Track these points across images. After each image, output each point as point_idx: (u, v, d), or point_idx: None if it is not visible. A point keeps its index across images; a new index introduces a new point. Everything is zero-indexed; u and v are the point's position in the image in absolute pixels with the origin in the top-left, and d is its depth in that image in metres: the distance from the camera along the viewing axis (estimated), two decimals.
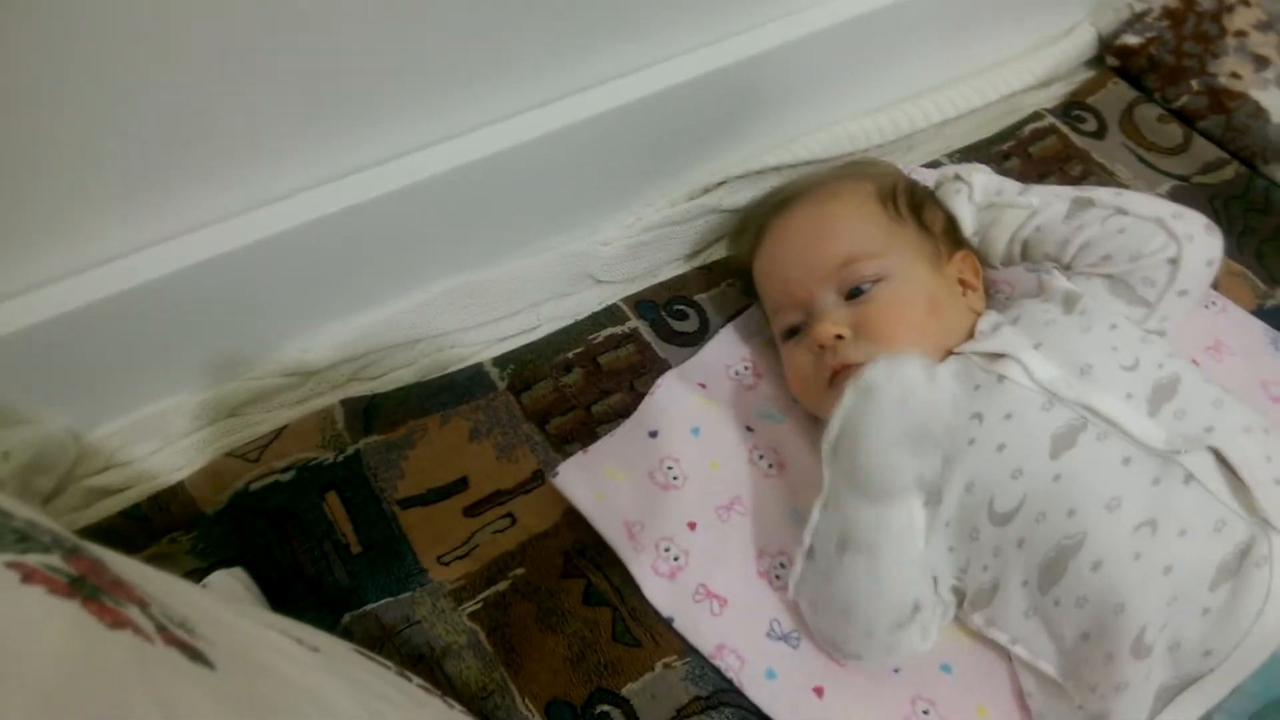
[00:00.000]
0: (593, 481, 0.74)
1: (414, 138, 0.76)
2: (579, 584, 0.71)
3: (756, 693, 0.66)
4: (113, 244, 0.69)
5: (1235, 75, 1.03)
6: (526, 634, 0.69)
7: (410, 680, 0.52)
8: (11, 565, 0.28)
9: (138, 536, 0.72)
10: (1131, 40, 1.08)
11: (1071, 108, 1.06)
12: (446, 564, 0.72)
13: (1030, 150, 1.01)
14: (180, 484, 0.75)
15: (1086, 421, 0.63)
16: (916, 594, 0.64)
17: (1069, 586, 0.60)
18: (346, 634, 0.68)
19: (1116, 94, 1.07)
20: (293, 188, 0.73)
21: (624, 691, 0.66)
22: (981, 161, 0.99)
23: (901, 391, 0.60)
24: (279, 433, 0.78)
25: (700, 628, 0.68)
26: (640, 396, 0.80)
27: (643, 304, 0.88)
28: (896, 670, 0.68)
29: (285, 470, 0.76)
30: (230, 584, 0.67)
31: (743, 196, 0.91)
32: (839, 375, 0.71)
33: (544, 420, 0.80)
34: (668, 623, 0.69)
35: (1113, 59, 1.09)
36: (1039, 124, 1.04)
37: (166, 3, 0.59)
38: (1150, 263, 0.69)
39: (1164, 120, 1.04)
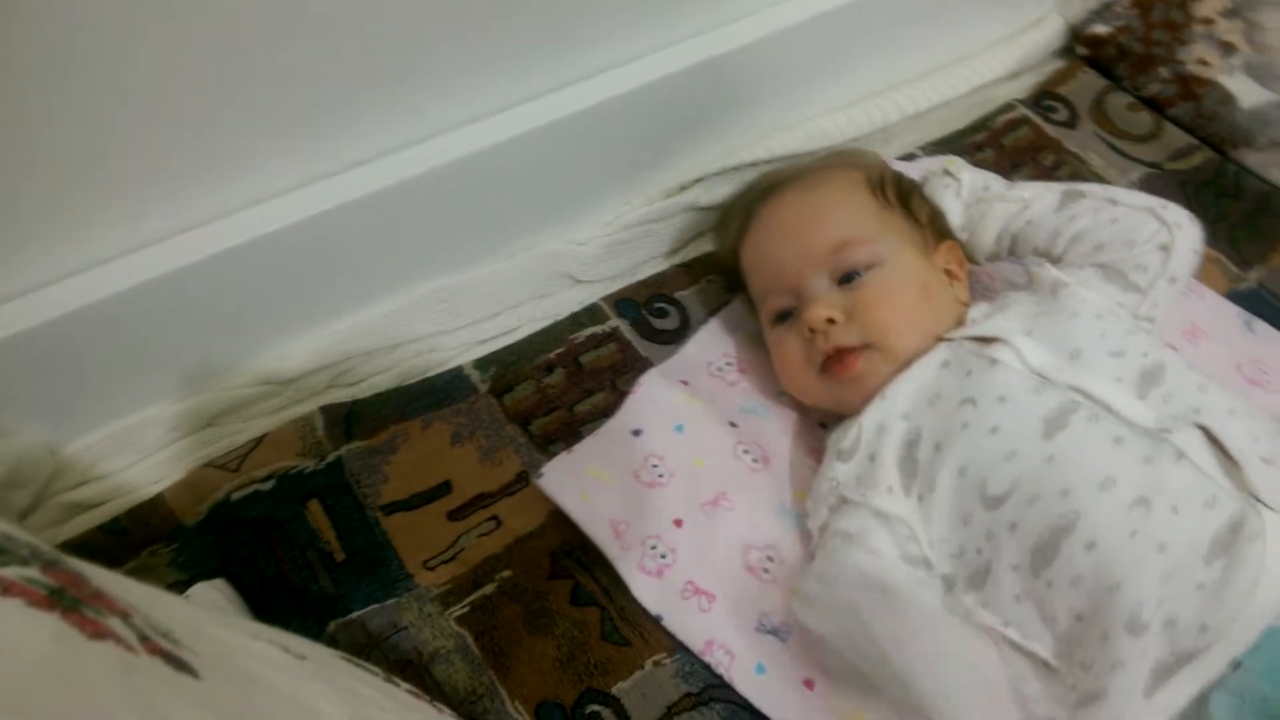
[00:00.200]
0: (578, 482, 0.74)
1: (387, 141, 0.76)
2: (566, 585, 0.71)
3: (747, 687, 0.66)
4: (83, 254, 0.68)
5: (1203, 62, 1.04)
6: (515, 636, 0.68)
7: (398, 686, 0.51)
8: None
9: (117, 551, 0.71)
10: (1100, 30, 1.09)
11: (1043, 98, 1.07)
12: (432, 569, 0.72)
13: (1003, 141, 1.02)
14: (159, 496, 0.74)
15: (1078, 404, 0.64)
16: None
17: (1062, 568, 0.61)
18: (332, 642, 0.67)
19: (1087, 83, 1.07)
20: (265, 193, 0.72)
21: (614, 691, 0.66)
22: (955, 153, 1.00)
23: None
24: (258, 442, 0.77)
25: (689, 625, 0.68)
26: (623, 395, 0.79)
27: (623, 303, 0.88)
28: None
29: (266, 479, 0.75)
30: (213, 596, 0.67)
31: (720, 193, 0.91)
32: (830, 361, 0.71)
33: (527, 422, 0.80)
34: (656, 621, 0.68)
35: (1082, 48, 1.10)
36: (1011, 115, 1.04)
37: (127, 9, 0.58)
38: (1144, 250, 0.70)
39: (1134, 108, 1.05)
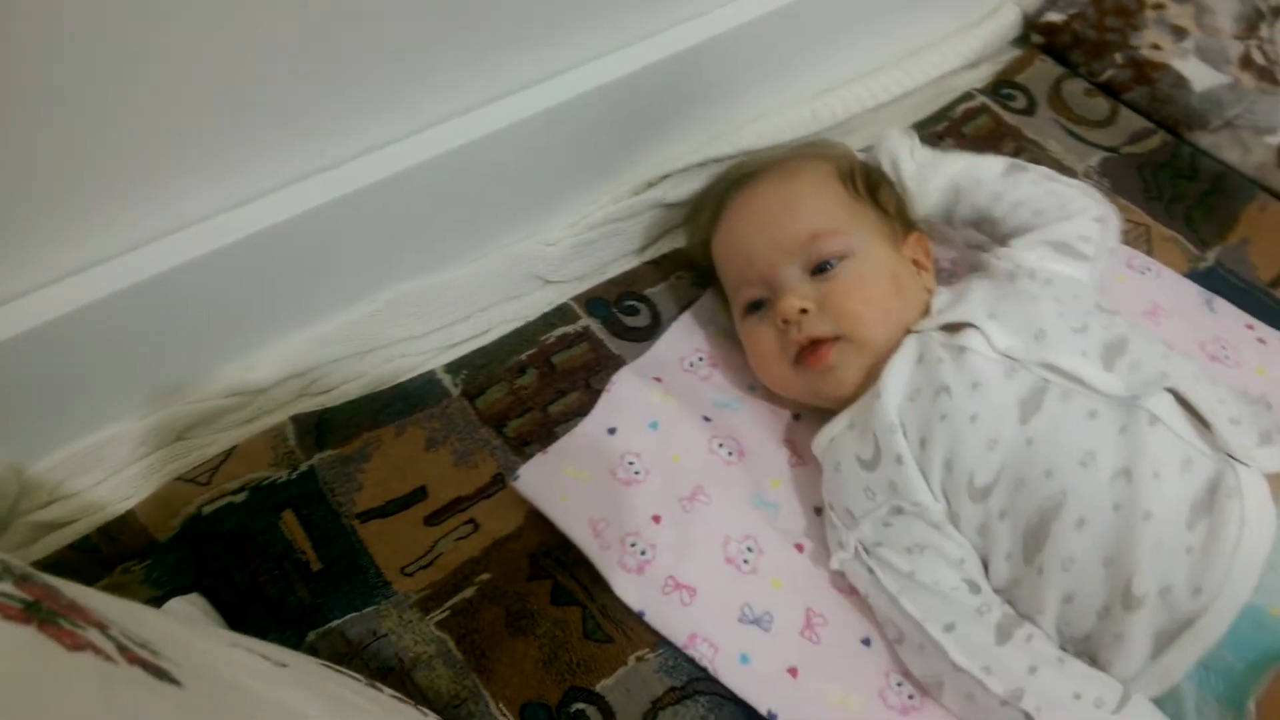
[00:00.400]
0: (555, 482, 0.74)
1: (349, 147, 0.75)
2: (546, 585, 0.71)
3: (731, 678, 0.66)
4: (40, 271, 0.67)
5: (1156, 47, 1.06)
6: (496, 639, 0.68)
7: (381, 691, 0.51)
8: None
9: (89, 569, 0.70)
10: (1054, 17, 1.10)
11: (1001, 86, 1.08)
12: (410, 575, 0.71)
13: (964, 130, 1.03)
14: (130, 513, 0.73)
15: (1048, 383, 0.65)
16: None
17: (1053, 551, 0.61)
18: (312, 652, 0.67)
19: (1043, 71, 1.09)
20: (225, 203, 0.71)
21: (598, 688, 0.66)
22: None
23: None
24: (229, 454, 0.76)
25: (671, 619, 0.68)
26: (597, 394, 0.79)
27: (593, 302, 0.88)
28: (868, 643, 0.68)
29: (238, 491, 0.74)
30: (188, 610, 0.66)
31: (687, 189, 0.91)
32: (804, 352, 0.72)
33: (501, 424, 0.80)
34: (639, 617, 0.68)
35: (1038, 36, 1.11)
36: (971, 104, 1.05)
37: (61, 16, 0.57)
38: (1082, 220, 0.76)
39: (1090, 94, 1.06)
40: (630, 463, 0.74)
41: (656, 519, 0.72)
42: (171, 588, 0.69)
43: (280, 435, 0.77)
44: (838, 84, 1.01)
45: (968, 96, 1.06)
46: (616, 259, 0.92)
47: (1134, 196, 0.97)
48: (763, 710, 0.65)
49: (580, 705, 0.65)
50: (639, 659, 0.67)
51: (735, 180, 0.81)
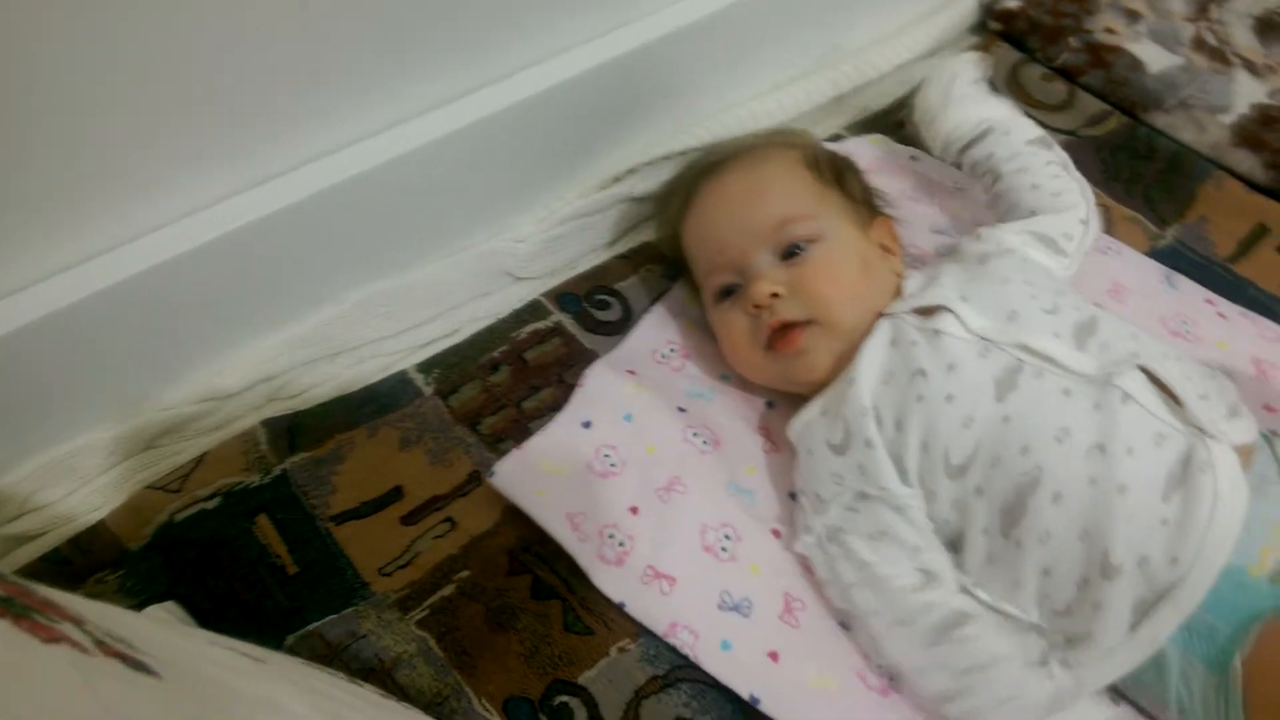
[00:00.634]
0: (531, 478, 0.74)
1: (314, 147, 0.75)
2: (526, 579, 0.71)
3: (713, 665, 0.66)
4: (2, 280, 0.66)
5: (1110, 30, 1.07)
6: (477, 635, 0.68)
7: (364, 688, 0.51)
8: None
9: (61, 581, 0.69)
10: (1011, 4, 1.11)
11: None
12: (388, 575, 0.71)
13: None
14: (101, 523, 0.72)
15: (1022, 363, 0.66)
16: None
17: (1030, 525, 0.62)
18: (292, 654, 0.66)
19: (1001, 57, 1.10)
20: (189, 208, 0.71)
21: (581, 680, 0.66)
22: (880, 131, 1.02)
23: None
24: (200, 460, 0.75)
25: (651, 609, 0.68)
26: (570, 389, 0.79)
27: (564, 297, 0.88)
28: (847, 626, 0.69)
29: (210, 498, 0.74)
30: (164, 618, 0.65)
31: (654, 182, 0.91)
32: (775, 337, 0.72)
33: (475, 421, 0.79)
34: (619, 608, 0.68)
35: (994, 23, 1.13)
36: None
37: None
38: (1069, 218, 0.78)
39: (1048, 78, 1.08)
40: (606, 455, 0.74)
41: (634, 510, 0.72)
42: (146, 596, 0.69)
43: (252, 440, 0.77)
44: (800, 75, 1.02)
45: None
46: (586, 254, 0.92)
47: (1094, 178, 0.98)
48: (745, 695, 0.65)
49: (564, 698, 0.65)
50: (620, 650, 0.67)
51: (703, 169, 0.82)
